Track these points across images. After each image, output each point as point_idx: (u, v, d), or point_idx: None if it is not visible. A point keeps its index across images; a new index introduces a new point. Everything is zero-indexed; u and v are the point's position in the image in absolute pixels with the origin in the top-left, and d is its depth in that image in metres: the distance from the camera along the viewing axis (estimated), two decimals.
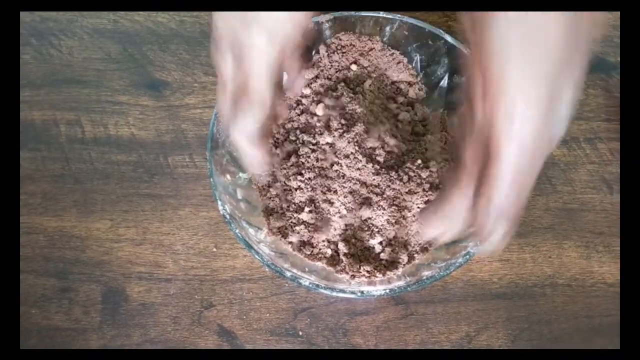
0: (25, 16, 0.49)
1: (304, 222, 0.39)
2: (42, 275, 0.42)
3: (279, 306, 0.41)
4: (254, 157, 0.31)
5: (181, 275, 0.42)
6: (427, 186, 0.38)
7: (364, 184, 0.39)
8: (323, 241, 0.39)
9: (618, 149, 0.45)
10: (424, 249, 0.38)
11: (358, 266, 0.37)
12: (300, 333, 0.41)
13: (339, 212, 0.39)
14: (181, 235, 0.43)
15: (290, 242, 0.39)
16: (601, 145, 0.45)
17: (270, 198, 0.40)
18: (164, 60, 0.48)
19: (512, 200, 0.23)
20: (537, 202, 0.43)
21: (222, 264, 0.42)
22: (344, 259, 0.38)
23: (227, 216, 0.36)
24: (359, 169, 0.38)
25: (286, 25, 0.27)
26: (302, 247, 0.39)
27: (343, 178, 0.39)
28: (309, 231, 0.39)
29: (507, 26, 0.21)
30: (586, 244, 0.42)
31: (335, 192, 0.39)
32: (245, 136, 0.30)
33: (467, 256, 0.34)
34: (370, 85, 0.42)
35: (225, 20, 0.28)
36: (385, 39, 0.43)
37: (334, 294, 0.35)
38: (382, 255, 0.38)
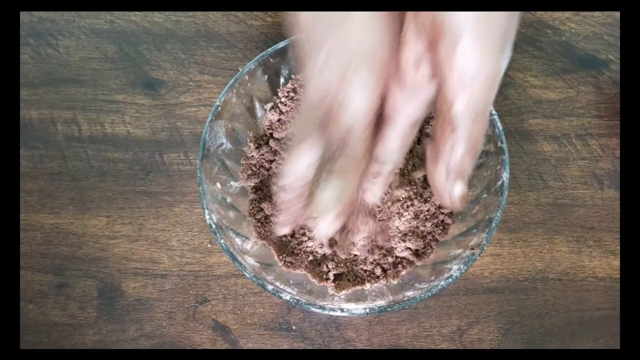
0: (23, 17, 0.50)
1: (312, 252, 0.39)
2: (39, 272, 0.43)
3: (273, 301, 0.42)
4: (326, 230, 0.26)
5: (176, 271, 0.43)
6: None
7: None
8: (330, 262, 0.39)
9: (608, 144, 0.45)
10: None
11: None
12: (294, 327, 0.41)
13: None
14: (176, 231, 0.44)
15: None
16: (592, 142, 0.45)
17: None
18: (160, 59, 0.48)
19: (468, 160, 0.24)
20: (528, 198, 0.44)
21: (217, 259, 0.43)
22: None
23: (213, 226, 0.36)
24: None
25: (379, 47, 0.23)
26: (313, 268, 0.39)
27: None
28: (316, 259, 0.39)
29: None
30: (577, 239, 0.43)
31: None
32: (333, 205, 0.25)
33: (450, 279, 0.34)
34: None
35: (317, 80, 0.24)
36: None
37: (315, 310, 0.34)
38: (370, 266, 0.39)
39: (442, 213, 0.39)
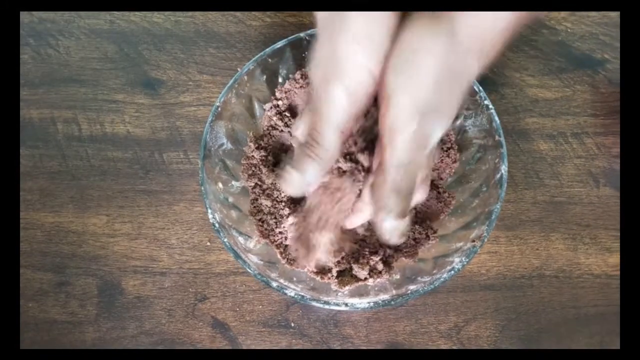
0: (24, 17, 0.50)
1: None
2: (40, 270, 0.43)
3: (272, 298, 0.42)
4: (298, 183, 0.29)
5: (176, 268, 0.43)
6: None
7: None
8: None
9: (604, 143, 0.46)
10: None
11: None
12: (292, 324, 0.42)
13: None
14: (176, 229, 0.44)
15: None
16: (588, 140, 0.46)
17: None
18: (159, 59, 0.49)
19: (393, 201, 0.27)
20: (525, 196, 0.44)
21: (216, 257, 0.43)
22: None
23: (217, 225, 0.36)
24: None
25: (365, 80, 0.26)
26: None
27: None
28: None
29: (399, 55, 0.24)
30: (573, 236, 0.43)
31: None
32: (303, 177, 0.28)
33: (452, 272, 0.35)
34: None
35: (313, 74, 0.27)
36: None
37: (320, 305, 0.35)
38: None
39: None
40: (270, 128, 0.43)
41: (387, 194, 0.26)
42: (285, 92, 0.42)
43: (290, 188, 0.29)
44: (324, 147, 0.27)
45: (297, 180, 0.28)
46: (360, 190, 0.30)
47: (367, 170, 0.29)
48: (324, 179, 0.30)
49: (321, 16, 0.26)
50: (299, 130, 0.31)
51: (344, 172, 0.29)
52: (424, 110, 0.24)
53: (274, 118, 0.42)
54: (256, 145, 0.42)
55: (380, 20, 0.24)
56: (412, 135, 0.25)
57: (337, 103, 0.25)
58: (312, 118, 0.27)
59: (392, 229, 0.27)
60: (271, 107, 0.43)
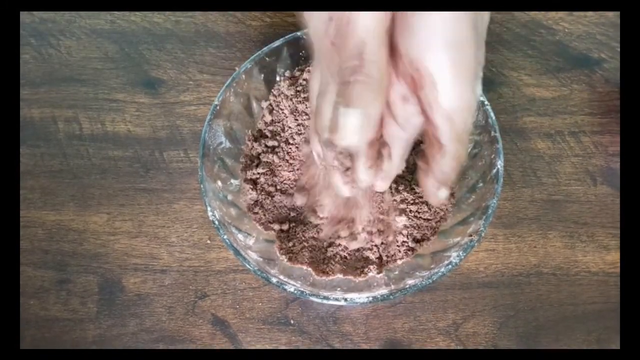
0: (25, 17, 0.50)
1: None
2: (41, 268, 0.44)
3: (271, 296, 0.42)
4: (368, 162, 0.28)
5: (176, 266, 0.43)
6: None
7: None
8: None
9: (601, 141, 0.46)
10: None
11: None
12: (292, 322, 0.42)
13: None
14: (176, 228, 0.44)
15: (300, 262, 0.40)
16: (585, 139, 0.46)
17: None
18: (160, 59, 0.49)
19: (453, 173, 0.28)
20: (523, 194, 0.44)
21: (216, 255, 0.43)
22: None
23: (216, 222, 0.36)
24: None
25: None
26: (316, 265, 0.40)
27: None
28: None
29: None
30: (570, 234, 0.43)
31: None
32: (364, 130, 0.25)
33: (450, 266, 0.35)
34: None
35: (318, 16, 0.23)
36: None
37: (319, 300, 0.35)
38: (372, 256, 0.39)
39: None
40: (268, 124, 0.43)
41: (449, 168, 0.27)
42: (283, 90, 0.43)
43: (353, 134, 0.24)
44: (371, 60, 0.22)
45: (358, 119, 0.23)
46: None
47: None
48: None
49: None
50: (315, 81, 0.28)
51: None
52: (475, 75, 0.24)
53: (270, 118, 0.43)
54: (254, 143, 0.43)
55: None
56: (468, 102, 0.25)
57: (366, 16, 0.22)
58: (339, 38, 0.23)
59: (445, 196, 0.29)
60: (269, 105, 0.43)
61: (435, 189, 0.29)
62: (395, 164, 0.30)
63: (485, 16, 0.25)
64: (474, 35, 0.24)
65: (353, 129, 0.24)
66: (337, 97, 0.24)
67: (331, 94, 0.25)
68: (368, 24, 0.22)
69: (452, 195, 0.40)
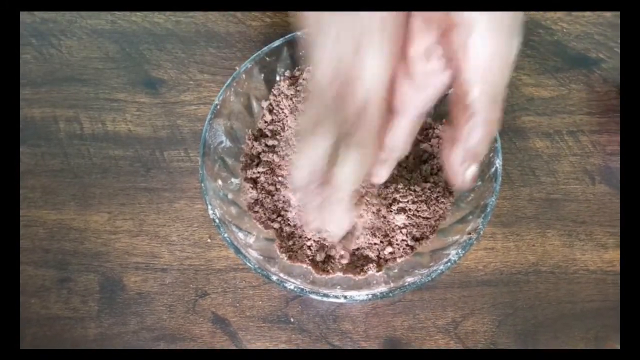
0: (26, 17, 0.51)
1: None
2: (42, 267, 0.44)
3: (271, 294, 0.43)
4: (345, 219, 0.28)
5: (176, 265, 0.43)
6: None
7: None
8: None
9: (599, 141, 0.46)
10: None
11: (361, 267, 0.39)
12: (292, 320, 0.42)
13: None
14: (176, 226, 0.44)
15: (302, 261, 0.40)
16: (583, 138, 0.46)
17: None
18: (160, 59, 0.49)
19: (484, 143, 0.25)
20: (521, 193, 0.45)
21: (217, 254, 0.44)
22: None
23: (217, 220, 0.37)
24: None
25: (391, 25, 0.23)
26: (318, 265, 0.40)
27: None
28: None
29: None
30: (569, 233, 0.44)
31: None
32: (348, 186, 0.25)
33: (449, 264, 0.35)
34: None
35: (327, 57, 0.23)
36: None
37: (319, 297, 0.35)
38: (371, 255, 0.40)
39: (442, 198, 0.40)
40: (268, 123, 0.44)
41: (478, 140, 0.24)
42: (283, 90, 0.43)
43: (347, 181, 0.25)
44: (367, 120, 0.23)
45: (355, 167, 0.24)
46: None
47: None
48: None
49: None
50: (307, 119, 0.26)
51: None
52: (512, 28, 0.22)
53: (270, 117, 0.43)
54: (254, 142, 0.43)
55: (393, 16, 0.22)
56: (505, 58, 0.22)
57: (378, 62, 0.22)
58: (340, 100, 0.23)
59: (473, 174, 0.25)
60: (269, 105, 0.44)
61: (463, 166, 0.25)
62: (398, 137, 0.27)
63: None
64: None
65: (349, 176, 0.25)
66: (337, 147, 0.24)
67: (323, 137, 0.25)
68: (376, 74, 0.23)
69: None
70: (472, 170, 0.25)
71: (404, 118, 0.26)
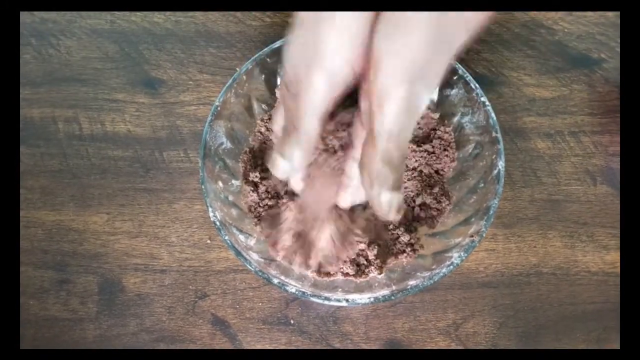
0: (25, 17, 0.50)
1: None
2: (41, 268, 0.44)
3: (271, 296, 0.42)
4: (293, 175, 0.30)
5: (176, 266, 0.43)
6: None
7: None
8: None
9: (601, 141, 0.46)
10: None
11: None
12: (292, 322, 0.42)
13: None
14: (176, 227, 0.44)
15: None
16: (585, 139, 0.46)
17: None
18: (160, 59, 0.49)
19: (387, 170, 0.26)
20: (523, 194, 0.45)
21: (216, 255, 0.44)
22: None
23: (218, 223, 0.36)
24: None
25: (345, 69, 0.25)
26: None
27: None
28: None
29: (385, 29, 0.24)
30: (570, 234, 0.43)
31: None
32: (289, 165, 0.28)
33: (451, 266, 0.35)
34: None
35: (290, 60, 0.27)
36: None
37: (320, 301, 0.35)
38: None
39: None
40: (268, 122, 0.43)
41: (380, 166, 0.26)
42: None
43: (277, 172, 0.29)
44: (305, 133, 0.27)
45: (282, 164, 0.28)
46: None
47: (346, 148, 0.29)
48: (310, 168, 0.30)
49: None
50: (277, 123, 0.31)
51: (333, 151, 0.29)
52: (414, 75, 0.24)
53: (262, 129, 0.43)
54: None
55: (364, 15, 0.24)
56: (402, 100, 0.24)
57: (317, 88, 0.25)
58: (290, 104, 0.27)
59: (388, 202, 0.26)
60: (269, 106, 0.43)
61: (372, 190, 0.26)
62: (355, 169, 0.29)
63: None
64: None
65: (276, 168, 0.29)
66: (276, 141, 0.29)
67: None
68: (314, 101, 0.26)
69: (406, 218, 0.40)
70: (385, 197, 0.26)
71: (355, 150, 0.29)
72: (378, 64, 0.24)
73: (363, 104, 0.27)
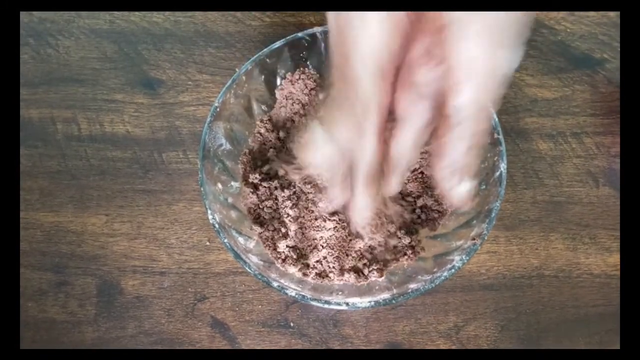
0: (23, 17, 0.50)
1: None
2: (39, 270, 0.43)
3: (271, 298, 0.42)
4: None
5: (175, 268, 0.43)
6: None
7: None
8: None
9: (604, 142, 0.46)
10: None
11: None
12: (292, 324, 0.41)
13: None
14: (175, 229, 0.44)
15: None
16: (587, 140, 0.46)
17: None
18: (159, 59, 0.49)
19: (472, 155, 0.24)
20: (525, 196, 0.44)
21: (215, 257, 0.43)
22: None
23: (217, 225, 0.36)
24: None
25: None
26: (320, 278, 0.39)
27: None
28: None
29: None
30: (572, 236, 0.43)
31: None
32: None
33: (453, 270, 0.35)
34: None
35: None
36: None
37: (320, 304, 0.35)
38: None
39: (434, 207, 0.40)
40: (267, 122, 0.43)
41: (468, 151, 0.22)
42: (284, 92, 0.42)
43: (314, 157, 0.24)
44: (361, 96, 0.22)
45: (325, 147, 0.24)
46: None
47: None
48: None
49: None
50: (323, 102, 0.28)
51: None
52: (498, 37, 0.20)
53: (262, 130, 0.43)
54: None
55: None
56: (493, 67, 0.21)
57: (372, 31, 0.21)
58: (338, 61, 0.22)
59: (469, 190, 0.24)
60: (270, 107, 0.43)
61: (454, 180, 0.24)
62: (404, 147, 0.26)
63: None
64: None
65: (312, 152, 0.26)
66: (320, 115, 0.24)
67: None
68: (367, 59, 0.22)
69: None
70: (465, 186, 0.24)
71: (407, 128, 0.25)
72: (462, 30, 0.20)
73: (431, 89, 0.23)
